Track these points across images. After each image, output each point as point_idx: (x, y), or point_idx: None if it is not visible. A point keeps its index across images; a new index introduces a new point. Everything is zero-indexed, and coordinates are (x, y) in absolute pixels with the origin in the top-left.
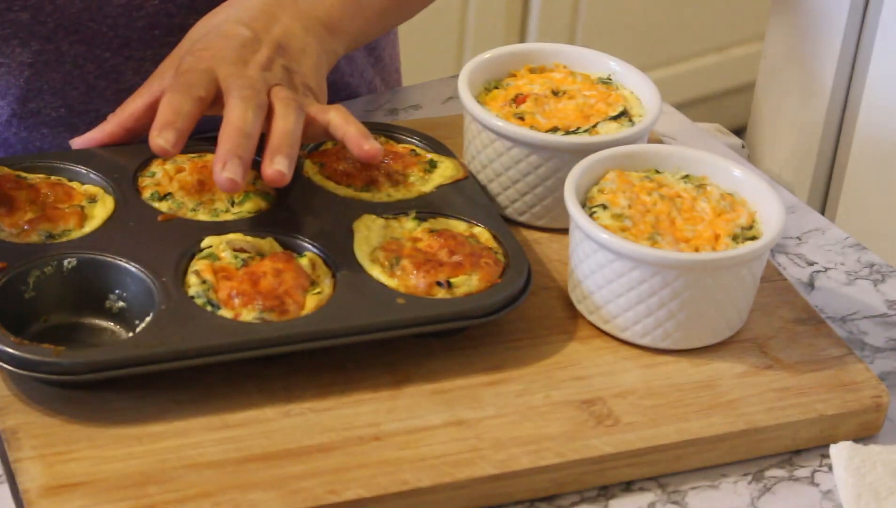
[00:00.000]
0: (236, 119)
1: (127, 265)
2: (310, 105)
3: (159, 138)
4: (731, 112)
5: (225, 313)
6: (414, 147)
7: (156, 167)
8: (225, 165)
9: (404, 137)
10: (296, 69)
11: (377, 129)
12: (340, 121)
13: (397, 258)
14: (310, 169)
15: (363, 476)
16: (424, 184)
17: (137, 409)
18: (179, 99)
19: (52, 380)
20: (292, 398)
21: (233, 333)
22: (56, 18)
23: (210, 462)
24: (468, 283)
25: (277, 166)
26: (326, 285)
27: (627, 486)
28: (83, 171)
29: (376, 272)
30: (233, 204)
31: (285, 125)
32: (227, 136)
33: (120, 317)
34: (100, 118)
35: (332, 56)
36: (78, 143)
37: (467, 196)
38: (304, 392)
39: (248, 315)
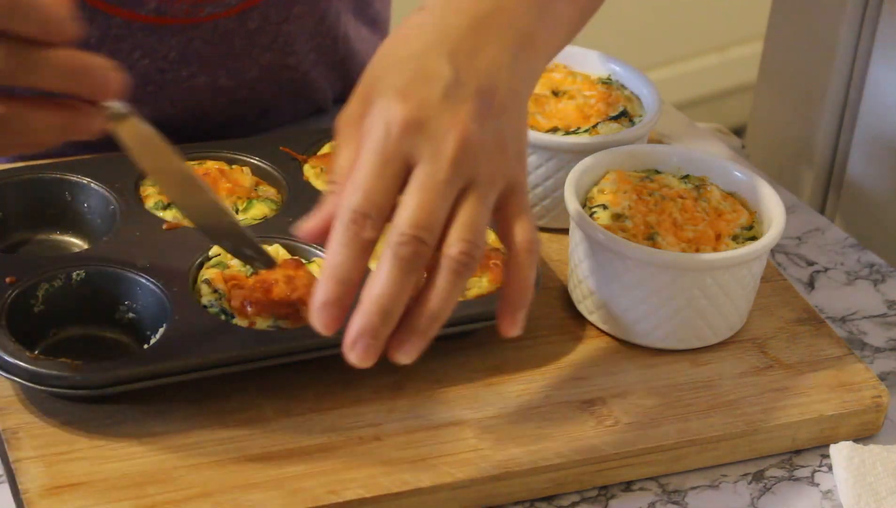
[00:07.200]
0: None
1: (137, 276)
2: (509, 206)
3: (317, 320)
4: (731, 112)
5: (239, 322)
6: None
7: None
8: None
9: None
10: (504, 128)
11: None
12: (514, 259)
13: None
14: (310, 174)
15: (363, 476)
16: None
17: (137, 409)
18: (349, 259)
19: (70, 395)
20: (292, 398)
21: (251, 342)
22: None
23: (210, 462)
24: (479, 285)
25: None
26: None
27: (627, 486)
28: (84, 182)
29: None
30: (237, 211)
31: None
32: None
33: (130, 328)
34: None
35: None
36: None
37: None
38: (305, 392)
39: (262, 324)
